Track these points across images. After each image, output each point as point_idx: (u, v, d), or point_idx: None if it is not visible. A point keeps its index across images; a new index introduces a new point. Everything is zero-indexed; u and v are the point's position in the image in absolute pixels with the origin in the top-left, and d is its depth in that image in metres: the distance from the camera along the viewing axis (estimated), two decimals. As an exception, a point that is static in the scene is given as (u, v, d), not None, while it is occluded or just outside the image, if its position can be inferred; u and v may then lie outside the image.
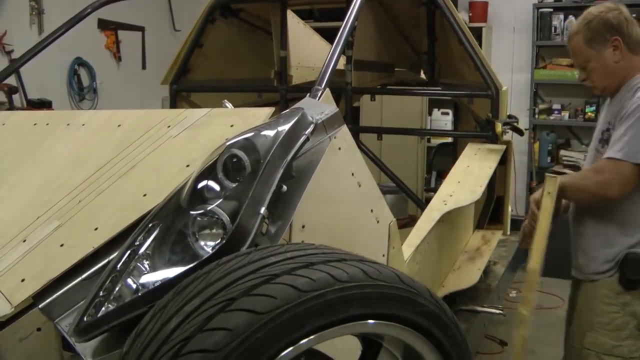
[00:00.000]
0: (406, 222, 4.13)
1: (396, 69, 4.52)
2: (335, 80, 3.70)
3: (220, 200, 1.59)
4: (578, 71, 2.49)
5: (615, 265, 2.36)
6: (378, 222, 2.12)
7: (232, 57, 4.26)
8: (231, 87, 4.16)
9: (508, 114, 3.79)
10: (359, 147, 4.01)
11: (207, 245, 1.56)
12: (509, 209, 4.10)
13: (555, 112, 6.69)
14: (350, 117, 3.88)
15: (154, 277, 1.51)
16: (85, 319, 1.48)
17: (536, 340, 2.69)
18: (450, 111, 6.43)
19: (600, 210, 2.36)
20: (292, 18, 4.20)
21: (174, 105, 4.04)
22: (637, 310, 2.34)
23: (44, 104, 4.96)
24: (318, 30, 4.90)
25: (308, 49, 4.18)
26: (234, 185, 1.62)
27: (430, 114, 6.61)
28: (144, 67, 6.33)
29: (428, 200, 3.13)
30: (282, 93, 3.93)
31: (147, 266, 1.54)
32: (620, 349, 2.36)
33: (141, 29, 6.28)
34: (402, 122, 5.92)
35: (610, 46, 2.35)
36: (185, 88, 4.06)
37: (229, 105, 2.14)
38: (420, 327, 1.38)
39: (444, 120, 6.57)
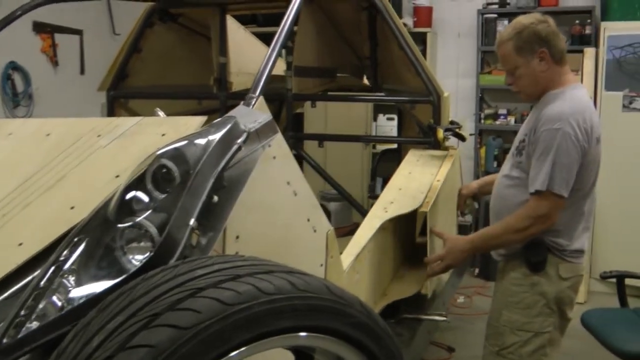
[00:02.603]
0: (350, 230, 4.15)
1: (338, 75, 4.55)
2: (276, 87, 3.73)
3: (149, 212, 1.58)
4: (505, 75, 2.71)
5: (521, 250, 2.62)
6: (315, 231, 2.13)
7: (171, 62, 4.22)
8: (170, 94, 4.12)
9: (450, 119, 3.85)
10: (301, 155, 4.06)
11: (135, 259, 1.54)
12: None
13: (501, 117, 6.81)
14: (293, 124, 3.89)
15: (79, 294, 1.49)
16: (4, 340, 1.44)
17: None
18: (395, 117, 6.49)
19: (515, 207, 2.59)
20: (232, 23, 4.19)
21: (111, 112, 3.98)
22: (545, 290, 2.59)
23: (-26, 112, 4.83)
24: (262, 35, 4.89)
25: (249, 55, 4.17)
26: (163, 196, 1.61)
27: (375, 119, 6.66)
28: (82, 72, 6.21)
29: (372, 207, 3.15)
30: (222, 100, 3.91)
31: (72, 282, 1.52)
32: (531, 325, 2.61)
33: (79, 32, 6.15)
34: (348, 128, 5.96)
35: (537, 57, 2.54)
36: (122, 94, 4.01)
37: (161, 113, 2.13)
38: (352, 339, 1.39)
39: (389, 125, 6.61)
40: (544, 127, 2.48)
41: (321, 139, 4.43)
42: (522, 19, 2.59)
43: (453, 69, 6.97)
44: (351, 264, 2.46)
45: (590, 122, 2.50)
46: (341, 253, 2.42)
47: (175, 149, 1.66)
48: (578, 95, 2.58)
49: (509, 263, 2.69)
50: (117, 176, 1.81)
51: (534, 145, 2.51)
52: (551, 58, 2.54)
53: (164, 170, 1.63)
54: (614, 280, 3.80)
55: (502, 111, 6.80)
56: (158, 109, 2.16)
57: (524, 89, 2.65)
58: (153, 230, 1.54)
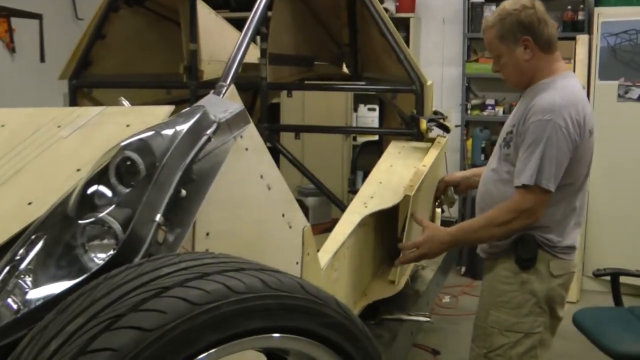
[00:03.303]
0: (329, 226, 4.16)
1: (316, 63, 4.55)
2: (250, 76, 3.73)
3: (112, 207, 1.58)
4: (492, 62, 2.74)
5: (510, 246, 2.62)
6: (290, 227, 2.13)
7: (138, 49, 4.19)
8: (136, 83, 4.09)
9: (434, 110, 3.86)
10: (277, 148, 4.06)
11: (98, 257, 1.54)
12: (438, 210, 4.19)
13: (489, 107, 6.82)
14: (268, 114, 3.88)
15: (36, 295, 1.48)
16: (-45, 346, 1.43)
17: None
18: (377, 107, 6.51)
19: (502, 201, 2.61)
20: (202, 8, 4.17)
21: (74, 102, 3.95)
22: (535, 288, 2.61)
23: None
24: (234, 21, 4.88)
25: (221, 42, 4.15)
26: (127, 190, 1.60)
27: (356, 110, 6.68)
28: (42, 59, 6.15)
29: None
30: (192, 89, 3.89)
31: (29, 283, 1.51)
32: (521, 325, 2.63)
33: (38, 16, 6.10)
34: (327, 119, 5.96)
35: (521, 45, 2.57)
36: (86, 83, 3.98)
37: (125, 103, 2.12)
38: (328, 340, 1.39)
39: (370, 116, 6.63)
40: (533, 118, 2.49)
41: (298, 130, 4.43)
42: (507, 5, 2.60)
43: (438, 57, 6.98)
44: (329, 261, 2.46)
45: (584, 113, 2.52)
46: (319, 250, 2.43)
47: (141, 140, 1.66)
48: (570, 84, 2.60)
49: (497, 261, 2.70)
50: (78, 169, 1.81)
51: (522, 136, 2.52)
52: (536, 46, 2.56)
53: (129, 162, 1.63)
54: (607, 278, 3.84)
55: (490, 101, 6.82)
56: (122, 98, 2.16)
57: (509, 77, 2.69)
58: (116, 226, 1.54)
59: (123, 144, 1.66)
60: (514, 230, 2.56)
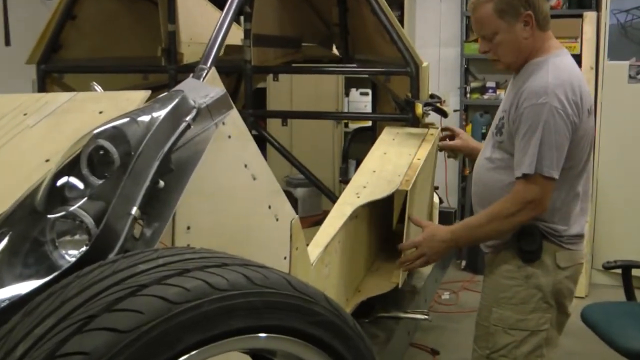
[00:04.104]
0: (320, 219, 4.17)
1: (304, 44, 4.54)
2: (233, 59, 3.71)
3: (84, 200, 1.57)
4: (480, 42, 2.68)
5: (513, 238, 2.61)
6: (277, 219, 2.13)
7: (112, 31, 4.18)
8: (110, 67, 4.08)
9: (431, 93, 3.86)
10: (263, 135, 4.06)
11: (69, 254, 1.53)
12: (436, 200, 4.20)
13: (490, 90, 6.82)
14: (253, 100, 3.87)
15: (1, 296, 1.46)
16: None
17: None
18: (370, 91, 6.51)
19: (499, 192, 2.60)
20: (182, -14, 4.15)
21: (43, 89, 3.93)
22: (542, 282, 2.60)
23: None
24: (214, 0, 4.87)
25: (202, 23, 4.14)
26: (100, 182, 1.60)
27: (347, 94, 6.68)
28: (7, 43, 6.11)
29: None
30: (172, 74, 3.88)
31: (-7, 283, 1.50)
32: (526, 322, 2.61)
33: (2, -5, 6.07)
34: (316, 104, 5.97)
35: (522, 20, 2.53)
36: (56, 68, 3.96)
37: (97, 88, 2.12)
38: (317, 340, 1.38)
39: (363, 101, 6.63)
40: (527, 103, 2.47)
41: (285, 116, 4.43)
42: None
43: (434, 37, 6.98)
44: (319, 256, 2.46)
45: (580, 92, 2.50)
46: (308, 244, 2.43)
47: (114, 127, 1.65)
48: (563, 63, 2.58)
49: (499, 254, 2.69)
50: (47, 160, 1.80)
51: (517, 123, 2.50)
52: (536, 23, 2.54)
53: (102, 152, 1.62)
54: (618, 271, 3.84)
55: (490, 84, 6.82)
56: (95, 83, 2.15)
57: (504, 58, 2.63)
58: (89, 220, 1.53)
59: (95, 132, 1.65)
60: (520, 224, 2.55)
